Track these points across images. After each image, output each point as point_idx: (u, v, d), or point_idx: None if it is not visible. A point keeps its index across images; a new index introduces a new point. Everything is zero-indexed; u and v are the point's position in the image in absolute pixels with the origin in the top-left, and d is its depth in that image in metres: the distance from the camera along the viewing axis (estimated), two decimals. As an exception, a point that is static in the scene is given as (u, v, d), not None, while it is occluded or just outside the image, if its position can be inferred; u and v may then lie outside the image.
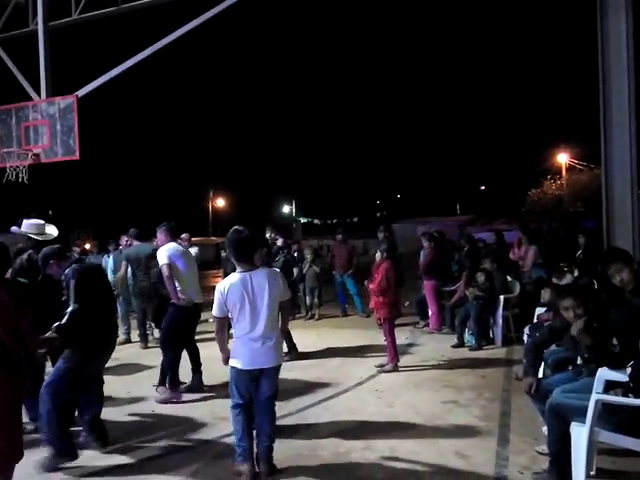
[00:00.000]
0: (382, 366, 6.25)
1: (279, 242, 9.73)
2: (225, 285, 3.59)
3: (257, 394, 3.67)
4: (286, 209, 45.64)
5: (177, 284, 5.30)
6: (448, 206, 50.98)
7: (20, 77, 10.64)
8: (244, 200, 39.31)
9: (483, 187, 58.45)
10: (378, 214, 62.95)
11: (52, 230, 4.55)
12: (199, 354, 5.68)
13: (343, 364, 6.61)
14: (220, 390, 5.36)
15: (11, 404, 3.12)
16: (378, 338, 7.77)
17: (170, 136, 38.50)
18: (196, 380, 5.61)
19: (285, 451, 3.95)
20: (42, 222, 4.54)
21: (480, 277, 7.40)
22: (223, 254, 10.16)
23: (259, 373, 3.63)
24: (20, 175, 10.07)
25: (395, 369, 6.17)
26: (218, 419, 4.74)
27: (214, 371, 5.52)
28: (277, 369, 3.74)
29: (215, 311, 3.64)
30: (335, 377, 5.98)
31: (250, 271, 3.62)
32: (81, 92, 9.95)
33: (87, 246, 12.79)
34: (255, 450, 3.68)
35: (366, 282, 6.53)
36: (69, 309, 3.83)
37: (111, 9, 10.23)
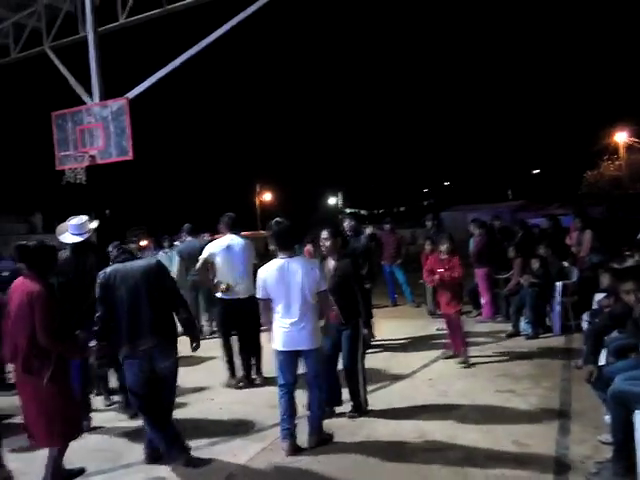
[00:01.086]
0: (453, 357, 6.02)
1: (368, 230, 9.50)
2: (265, 270, 3.97)
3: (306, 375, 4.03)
4: (332, 201, 45.67)
5: (217, 277, 5.51)
6: (499, 192, 49.47)
7: (73, 82, 11.12)
8: (290, 194, 39.63)
9: (536, 171, 56.35)
10: (425, 202, 61.95)
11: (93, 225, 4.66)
12: (249, 347, 5.65)
13: (394, 354, 6.59)
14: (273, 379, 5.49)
15: (65, 393, 3.46)
16: (428, 328, 7.72)
17: (217, 133, 39.21)
18: (244, 371, 5.68)
19: (337, 431, 4.10)
20: (84, 218, 4.62)
21: (535, 264, 7.18)
22: (271, 247, 10.31)
23: (297, 354, 3.95)
24: (78, 177, 10.56)
25: (467, 360, 5.88)
26: (273, 407, 4.83)
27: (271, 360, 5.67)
28: (316, 352, 3.97)
29: (258, 293, 4.01)
30: (387, 366, 5.97)
31: (288, 258, 3.90)
32: (131, 94, 10.31)
33: (143, 243, 13.24)
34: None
35: (427, 278, 6.26)
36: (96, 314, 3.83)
37: (156, 11, 10.51)
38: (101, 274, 3.76)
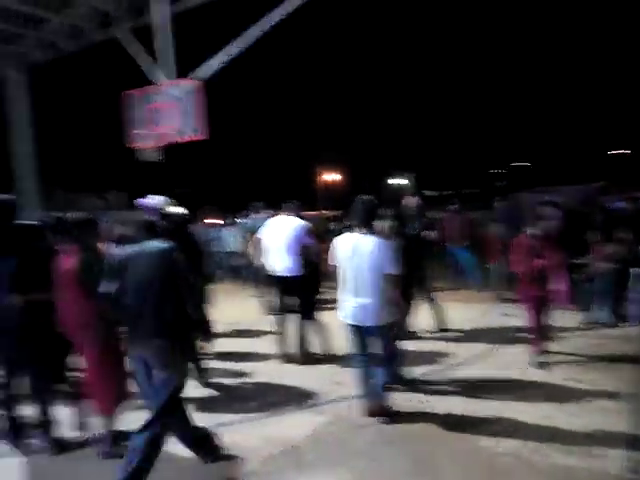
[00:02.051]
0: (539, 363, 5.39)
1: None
2: (339, 240, 4.16)
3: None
4: (400, 182, 44.93)
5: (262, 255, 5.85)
6: (576, 173, 46.77)
7: (147, 62, 11.46)
8: (354, 174, 39.34)
9: (617, 151, 52.73)
10: (498, 184, 59.56)
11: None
12: (305, 324, 5.73)
13: (460, 337, 6.45)
14: (337, 357, 5.58)
15: (115, 361, 3.60)
16: (491, 311, 7.51)
17: (285, 113, 39.51)
18: (304, 346, 5.75)
19: (405, 403, 4.21)
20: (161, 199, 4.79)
21: (614, 248, 6.74)
22: (331, 226, 10.32)
23: (360, 329, 4.05)
24: (155, 156, 10.98)
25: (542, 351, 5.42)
26: (335, 383, 4.92)
27: (337, 337, 5.73)
28: (380, 328, 4.02)
29: (329, 259, 4.25)
30: (455, 350, 5.85)
31: (363, 235, 3.99)
32: (205, 73, 10.53)
33: (207, 221, 13.80)
34: None
35: (522, 264, 5.50)
36: None
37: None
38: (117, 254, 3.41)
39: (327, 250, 6.58)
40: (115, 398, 3.67)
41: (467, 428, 3.88)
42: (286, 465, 3.48)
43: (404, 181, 44.02)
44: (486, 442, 3.66)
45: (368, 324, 4.00)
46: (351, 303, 4.03)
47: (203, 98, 10.28)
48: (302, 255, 5.58)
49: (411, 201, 6.93)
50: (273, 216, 6.37)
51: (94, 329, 3.52)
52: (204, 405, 4.53)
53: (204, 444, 3.45)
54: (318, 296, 5.87)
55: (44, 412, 3.82)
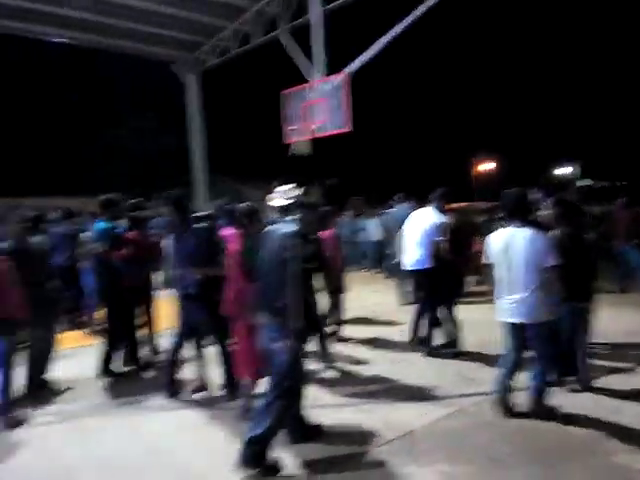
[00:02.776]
0: None
1: None
2: (492, 236, 4.07)
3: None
4: (565, 170, 41.11)
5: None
6: None
7: (300, 61, 12.14)
8: (513, 163, 36.86)
9: None
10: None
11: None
12: (431, 318, 5.72)
13: (618, 346, 5.82)
14: (471, 353, 5.50)
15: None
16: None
17: (434, 102, 38.40)
18: (426, 334, 5.74)
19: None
20: (290, 185, 5.15)
21: None
22: (481, 219, 9.96)
23: (516, 327, 3.92)
24: (304, 149, 11.66)
25: None
26: (464, 379, 4.87)
27: (474, 333, 5.74)
28: (538, 326, 3.84)
29: (483, 258, 4.17)
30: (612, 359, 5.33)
31: (516, 228, 3.89)
32: (351, 68, 10.85)
33: (354, 211, 14.19)
34: None
35: None
36: None
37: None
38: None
39: (466, 244, 6.43)
40: (258, 367, 4.01)
41: (603, 441, 3.58)
42: (400, 450, 3.57)
43: (569, 170, 40.12)
44: (623, 458, 3.35)
45: (525, 321, 3.88)
46: (506, 300, 3.94)
47: (350, 92, 10.61)
48: (431, 250, 5.57)
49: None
50: (416, 208, 6.44)
51: (247, 304, 3.92)
52: (328, 384, 4.81)
53: (297, 423, 3.70)
54: (456, 291, 5.81)
55: (228, 372, 4.48)
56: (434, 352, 5.63)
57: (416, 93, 37.64)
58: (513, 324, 3.95)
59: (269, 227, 3.71)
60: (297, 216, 3.55)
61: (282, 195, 4.62)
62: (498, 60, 39.07)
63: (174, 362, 4.71)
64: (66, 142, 26.43)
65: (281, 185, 4.76)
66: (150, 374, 5.40)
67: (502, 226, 4.10)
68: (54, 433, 4.09)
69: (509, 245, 3.89)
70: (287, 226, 3.47)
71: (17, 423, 4.20)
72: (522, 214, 3.96)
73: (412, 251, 5.75)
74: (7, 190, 21.35)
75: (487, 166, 40.20)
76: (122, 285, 5.18)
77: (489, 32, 36.39)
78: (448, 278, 5.62)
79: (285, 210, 4.59)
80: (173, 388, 4.69)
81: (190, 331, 4.69)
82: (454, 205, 12.65)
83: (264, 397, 3.45)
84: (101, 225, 5.29)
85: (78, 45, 16.50)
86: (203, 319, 4.52)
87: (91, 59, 22.75)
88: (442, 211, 5.72)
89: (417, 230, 5.72)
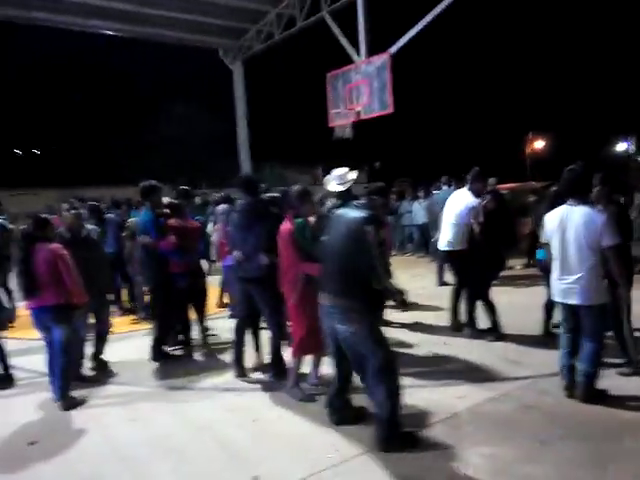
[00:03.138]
0: None
1: None
2: (549, 215, 3.97)
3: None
4: (621, 147, 39.11)
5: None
6: None
7: (345, 43, 12.04)
8: (568, 141, 35.32)
9: None
10: None
11: (352, 175, 5.12)
12: (471, 299, 5.68)
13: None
14: (515, 336, 5.41)
15: (307, 316, 3.99)
16: None
17: (482, 81, 37.11)
18: (467, 318, 5.71)
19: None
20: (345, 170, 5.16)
21: None
22: (531, 199, 9.66)
23: (569, 308, 3.87)
24: (347, 132, 11.61)
25: None
26: (509, 362, 4.81)
27: (514, 318, 5.69)
28: (590, 308, 3.75)
29: (541, 237, 4.17)
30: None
31: (573, 206, 3.78)
32: (393, 49, 10.67)
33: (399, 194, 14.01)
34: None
35: None
36: None
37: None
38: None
39: (512, 227, 6.25)
40: (308, 346, 4.16)
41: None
42: (443, 432, 3.57)
43: (627, 146, 38.11)
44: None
45: (577, 303, 3.79)
46: (560, 281, 3.86)
47: (392, 73, 10.46)
48: (463, 232, 5.54)
49: None
50: (457, 189, 6.37)
51: (299, 284, 4.04)
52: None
53: (344, 404, 3.78)
54: (491, 275, 5.74)
55: (276, 349, 4.65)
56: (476, 335, 5.57)
57: (463, 71, 36.55)
58: (568, 305, 3.87)
59: (336, 211, 3.72)
60: (364, 200, 3.57)
61: (338, 179, 4.65)
62: (551, 34, 37.34)
63: (240, 342, 4.86)
64: (115, 133, 27.34)
65: (333, 169, 4.78)
66: (201, 356, 5.59)
67: (556, 205, 3.99)
68: (109, 415, 4.25)
69: (563, 224, 3.79)
70: (357, 211, 3.44)
71: (75, 404, 4.41)
72: (582, 192, 3.82)
73: (445, 233, 5.79)
74: (62, 180, 22.33)
75: (542, 144, 38.73)
76: (171, 271, 5.35)
77: (537, 5, 34.75)
78: (482, 261, 5.53)
79: (344, 194, 4.61)
80: (240, 368, 4.85)
81: (249, 313, 4.82)
82: (505, 186, 12.31)
83: (370, 383, 3.41)
84: (147, 215, 5.41)
85: (130, 37, 16.96)
86: (265, 302, 4.60)
87: (139, 51, 23.33)
88: (477, 192, 5.63)
89: (451, 212, 5.73)
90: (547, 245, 4.01)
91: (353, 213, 3.43)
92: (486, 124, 37.20)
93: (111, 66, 29.82)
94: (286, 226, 4.18)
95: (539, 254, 5.32)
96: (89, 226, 5.63)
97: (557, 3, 34.36)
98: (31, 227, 4.45)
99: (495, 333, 5.50)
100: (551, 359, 4.34)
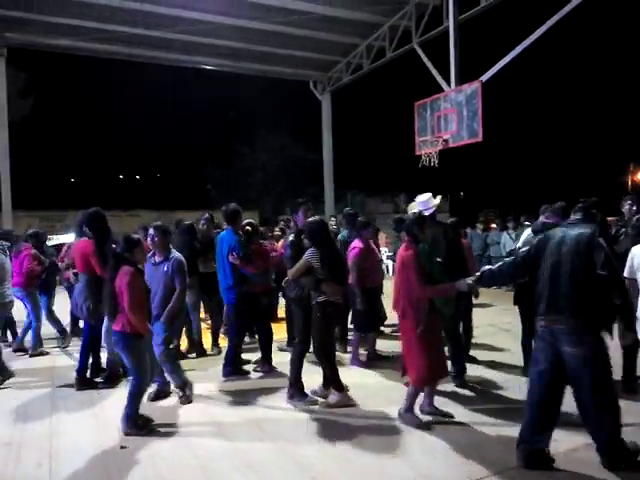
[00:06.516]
0: None
1: None
2: (635, 248, 3.91)
3: None
4: None
5: None
6: None
7: (434, 72, 12.05)
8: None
9: None
10: None
11: (435, 201, 5.05)
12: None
13: None
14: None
15: (431, 343, 4.02)
16: None
17: (577, 110, 35.39)
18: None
19: None
20: (428, 195, 5.11)
21: None
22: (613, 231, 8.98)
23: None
24: (432, 160, 11.51)
25: None
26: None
27: None
28: None
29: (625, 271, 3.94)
30: None
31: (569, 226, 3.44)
32: (484, 77, 10.52)
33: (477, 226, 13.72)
34: None
35: None
36: None
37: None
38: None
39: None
40: (430, 374, 4.10)
41: None
42: (537, 476, 3.36)
43: None
44: None
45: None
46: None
47: (482, 101, 10.29)
48: None
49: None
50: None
51: (419, 310, 4.02)
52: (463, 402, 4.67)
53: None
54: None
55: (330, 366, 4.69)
56: None
57: (557, 99, 35.20)
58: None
59: (553, 231, 3.51)
60: (580, 216, 3.44)
61: (422, 205, 4.63)
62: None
63: (300, 365, 4.89)
64: (207, 160, 28.92)
65: (417, 196, 4.77)
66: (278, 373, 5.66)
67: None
68: (190, 427, 4.37)
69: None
70: (578, 227, 3.34)
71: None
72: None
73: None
74: (164, 204, 23.77)
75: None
76: (254, 291, 5.58)
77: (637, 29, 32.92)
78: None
79: (428, 219, 4.55)
80: (300, 390, 4.86)
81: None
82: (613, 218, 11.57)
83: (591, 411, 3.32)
84: (235, 238, 5.59)
85: (230, 72, 18.03)
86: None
87: (230, 85, 24.54)
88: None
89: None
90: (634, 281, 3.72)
91: (576, 230, 3.32)
92: (584, 153, 35.37)
93: (206, 99, 31.83)
94: (406, 252, 4.15)
95: None
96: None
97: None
98: (120, 247, 4.36)
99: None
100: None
